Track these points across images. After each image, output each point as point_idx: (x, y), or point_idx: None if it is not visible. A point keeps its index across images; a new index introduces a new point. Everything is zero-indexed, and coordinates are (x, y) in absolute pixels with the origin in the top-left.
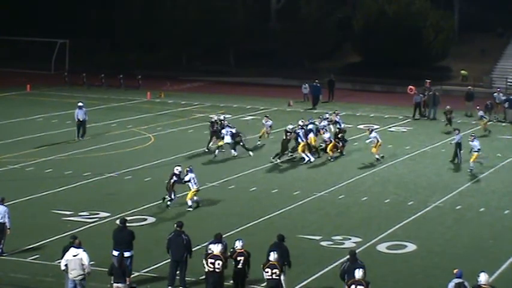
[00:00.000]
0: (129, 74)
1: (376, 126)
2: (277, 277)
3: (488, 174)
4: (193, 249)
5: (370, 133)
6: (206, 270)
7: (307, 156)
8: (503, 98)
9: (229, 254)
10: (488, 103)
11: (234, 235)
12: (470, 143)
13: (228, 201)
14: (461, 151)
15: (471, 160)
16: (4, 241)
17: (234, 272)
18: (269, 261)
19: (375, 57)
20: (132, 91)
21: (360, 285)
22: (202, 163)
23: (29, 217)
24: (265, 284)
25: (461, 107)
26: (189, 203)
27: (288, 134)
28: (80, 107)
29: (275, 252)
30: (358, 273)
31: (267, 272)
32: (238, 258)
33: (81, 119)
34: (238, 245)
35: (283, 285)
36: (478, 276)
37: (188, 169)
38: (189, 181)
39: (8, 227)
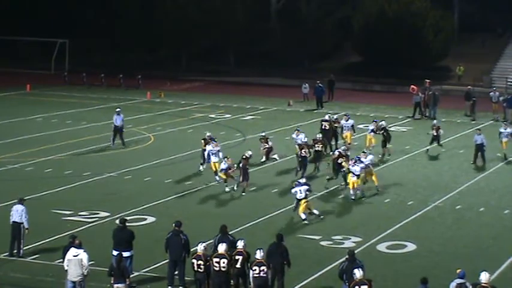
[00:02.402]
0: (129, 74)
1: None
2: (264, 275)
3: (488, 174)
4: (191, 249)
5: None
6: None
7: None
8: (502, 98)
9: (228, 252)
10: (473, 99)
11: (234, 235)
12: (351, 167)
13: (228, 201)
14: (484, 152)
15: (350, 187)
16: (24, 241)
17: (233, 272)
18: (256, 259)
19: (375, 57)
20: (132, 91)
21: (363, 284)
22: (202, 163)
23: (29, 217)
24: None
25: (461, 107)
26: (302, 216)
27: (344, 158)
28: (118, 113)
29: (261, 250)
30: (359, 273)
31: (255, 270)
32: (236, 258)
33: (118, 125)
34: (239, 244)
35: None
36: (480, 275)
37: (297, 183)
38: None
39: (26, 226)
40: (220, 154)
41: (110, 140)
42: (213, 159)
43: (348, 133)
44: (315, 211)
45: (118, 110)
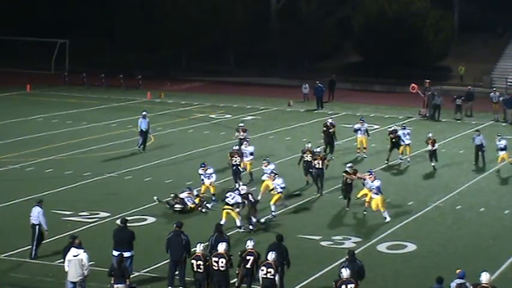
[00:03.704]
0: (129, 74)
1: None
2: (272, 276)
3: (488, 174)
4: (192, 249)
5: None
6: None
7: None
8: (501, 98)
9: (239, 252)
10: (458, 100)
11: (235, 235)
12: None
13: None
14: (484, 152)
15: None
16: (39, 243)
17: (242, 272)
18: (266, 259)
19: (375, 57)
20: (132, 91)
21: (350, 283)
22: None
23: (29, 217)
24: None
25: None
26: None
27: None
28: (144, 116)
29: (273, 252)
30: (346, 272)
31: (262, 271)
32: (248, 258)
33: (144, 129)
34: (249, 244)
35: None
36: (480, 275)
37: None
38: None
39: (45, 228)
40: (214, 176)
41: (138, 145)
42: (207, 181)
43: (362, 137)
44: (238, 222)
45: (144, 113)
